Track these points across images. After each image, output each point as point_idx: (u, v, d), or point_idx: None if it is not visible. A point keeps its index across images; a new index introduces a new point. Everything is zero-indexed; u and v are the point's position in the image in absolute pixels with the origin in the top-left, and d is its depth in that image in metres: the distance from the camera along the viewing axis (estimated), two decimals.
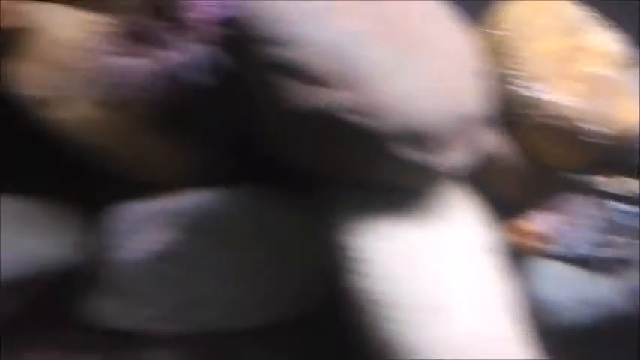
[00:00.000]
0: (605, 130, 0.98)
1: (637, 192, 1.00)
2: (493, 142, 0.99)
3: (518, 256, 0.98)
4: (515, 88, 0.99)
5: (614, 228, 0.98)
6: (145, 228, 0.95)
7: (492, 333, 0.87)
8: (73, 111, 0.97)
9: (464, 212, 0.96)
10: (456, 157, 0.90)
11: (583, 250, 0.98)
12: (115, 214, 0.95)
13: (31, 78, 0.98)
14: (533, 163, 1.02)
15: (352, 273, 0.88)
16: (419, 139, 0.86)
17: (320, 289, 0.96)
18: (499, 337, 0.87)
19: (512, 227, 1.00)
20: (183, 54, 0.90)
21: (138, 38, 0.92)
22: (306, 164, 0.92)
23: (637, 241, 0.98)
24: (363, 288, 0.87)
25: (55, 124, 0.97)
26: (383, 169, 0.89)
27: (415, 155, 0.88)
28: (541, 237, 0.99)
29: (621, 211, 1.00)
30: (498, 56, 1.01)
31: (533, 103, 0.99)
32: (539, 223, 1.00)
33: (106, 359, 0.94)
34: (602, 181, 1.01)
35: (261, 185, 0.96)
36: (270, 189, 0.96)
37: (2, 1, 0.99)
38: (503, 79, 0.99)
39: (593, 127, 0.98)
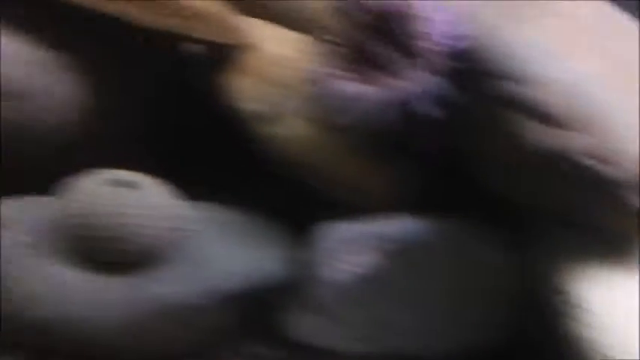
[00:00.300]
0: None
1: None
2: None
3: None
4: None
5: None
6: (349, 249, 0.95)
7: None
8: (287, 128, 0.98)
9: None
10: None
11: None
12: (321, 232, 0.96)
13: (247, 92, 1.00)
14: None
15: (568, 318, 0.88)
16: None
17: (513, 322, 0.97)
18: None
19: None
20: (414, 84, 0.91)
21: (367, 63, 0.93)
22: (524, 202, 0.93)
23: None
24: (580, 336, 0.87)
25: (268, 139, 0.99)
26: (608, 214, 0.90)
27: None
28: None
29: None
30: None
31: None
32: None
33: None
34: None
35: (467, 217, 0.97)
36: (477, 222, 0.97)
37: (221, 17, 1.00)
38: None
39: None
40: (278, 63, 1.03)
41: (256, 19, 1.07)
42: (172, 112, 1.07)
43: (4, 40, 0.93)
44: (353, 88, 0.92)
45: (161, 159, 0.97)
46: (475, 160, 0.95)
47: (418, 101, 0.90)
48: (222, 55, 1.02)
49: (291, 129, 0.98)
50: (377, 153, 0.96)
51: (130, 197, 0.83)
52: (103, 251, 0.82)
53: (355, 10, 0.95)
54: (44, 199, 0.91)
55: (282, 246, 0.95)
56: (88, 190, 0.83)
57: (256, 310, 0.93)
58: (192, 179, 0.95)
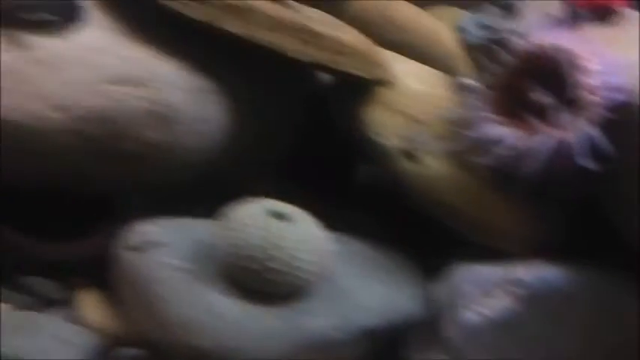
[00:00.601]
0: None
1: None
2: None
3: None
4: None
5: None
6: (484, 292, 0.95)
7: None
8: (427, 166, 0.99)
9: None
10: None
11: None
12: (456, 273, 0.96)
13: (388, 128, 1.01)
14: None
15: None
16: None
17: None
18: None
19: None
20: (572, 133, 0.90)
21: (520, 108, 0.94)
22: None
23: None
24: None
25: (406, 176, 0.99)
26: None
27: None
28: None
29: None
30: None
31: None
32: None
33: None
34: None
35: (606, 266, 0.96)
36: (616, 271, 0.96)
37: (368, 52, 1.01)
38: None
39: None
40: (419, 99, 1.04)
41: (397, 55, 1.09)
42: (312, 143, 1.09)
43: (165, 65, 0.96)
44: (503, 131, 0.93)
45: (301, 190, 0.99)
46: (616, 209, 0.95)
47: (574, 151, 0.90)
48: (365, 89, 1.04)
49: (431, 167, 0.98)
50: (519, 197, 0.96)
51: (285, 230, 0.84)
52: (258, 282, 0.84)
53: (511, 53, 0.96)
54: (194, 222, 0.94)
55: (417, 284, 0.96)
56: (245, 220, 0.84)
57: (388, 346, 0.94)
58: (329, 211, 0.97)
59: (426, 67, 1.10)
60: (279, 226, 0.85)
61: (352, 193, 1.09)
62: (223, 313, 0.83)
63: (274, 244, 0.83)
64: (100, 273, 0.96)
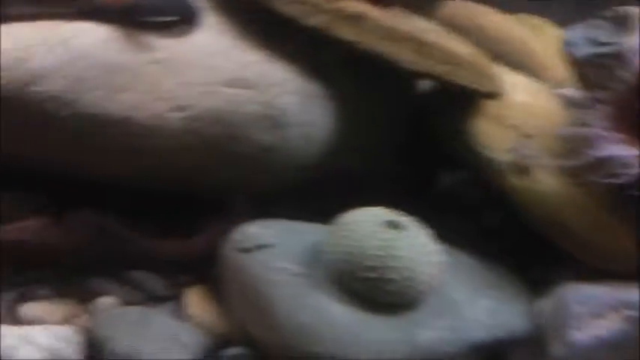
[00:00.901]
0: None
1: None
2: None
3: None
4: None
5: None
6: (593, 312, 0.94)
7: None
8: (538, 182, 0.97)
9: None
10: None
11: None
12: (564, 291, 0.94)
13: (498, 142, 1.00)
14: None
15: None
16: None
17: None
18: None
19: None
20: None
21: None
22: None
23: None
24: None
25: (516, 191, 0.98)
26: None
27: None
28: None
29: None
30: None
31: None
32: None
33: None
34: None
35: None
36: None
37: (483, 65, 1.01)
38: None
39: None
40: (528, 113, 1.03)
41: (503, 67, 1.08)
42: (415, 154, 1.09)
43: (278, 70, 0.97)
44: (628, 151, 0.92)
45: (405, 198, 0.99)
46: None
47: None
48: (472, 101, 1.03)
49: (543, 183, 0.97)
50: (633, 217, 0.95)
51: (401, 240, 0.84)
52: (375, 291, 0.84)
53: (628, 69, 0.95)
54: (302, 226, 0.94)
55: (524, 300, 0.95)
56: (362, 229, 0.84)
57: None
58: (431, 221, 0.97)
59: (531, 79, 1.09)
60: (395, 236, 0.85)
61: (441, 202, 1.09)
62: (339, 320, 0.83)
63: (392, 255, 0.83)
64: (204, 271, 0.98)
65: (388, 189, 1.04)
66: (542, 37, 1.32)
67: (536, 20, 1.36)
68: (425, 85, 1.11)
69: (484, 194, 1.05)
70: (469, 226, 1.05)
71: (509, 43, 1.23)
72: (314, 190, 1.01)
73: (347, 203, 0.93)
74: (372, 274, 0.83)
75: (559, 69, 1.23)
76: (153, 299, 0.95)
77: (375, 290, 0.84)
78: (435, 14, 1.14)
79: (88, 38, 0.92)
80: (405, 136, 1.10)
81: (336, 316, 0.83)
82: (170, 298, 0.95)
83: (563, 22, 1.30)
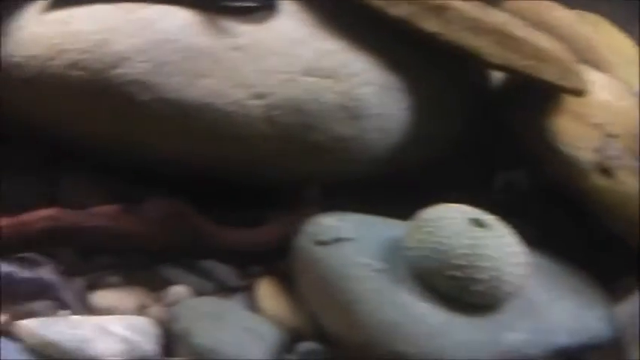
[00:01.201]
0: None
1: None
2: None
3: None
4: None
5: None
6: None
7: None
8: (619, 182, 0.95)
9: None
10: None
11: None
12: None
13: (577, 140, 0.97)
14: None
15: None
16: None
17: None
18: None
19: None
20: None
21: None
22: None
23: None
24: None
25: (595, 190, 0.96)
26: None
27: None
28: None
29: None
30: None
31: None
32: None
33: None
34: None
35: None
36: None
37: (568, 61, 0.98)
38: None
39: None
40: (611, 111, 1.00)
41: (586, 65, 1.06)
42: (481, 149, 1.07)
43: (357, 60, 0.94)
44: None
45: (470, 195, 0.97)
46: None
47: None
48: (553, 97, 1.01)
49: (626, 184, 0.95)
50: None
51: (488, 238, 0.82)
52: (462, 291, 0.82)
53: None
54: (379, 220, 0.92)
55: (604, 303, 0.93)
56: (448, 226, 0.82)
57: None
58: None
59: (611, 78, 1.07)
60: (482, 235, 0.82)
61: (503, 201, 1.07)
62: (426, 319, 0.80)
63: (480, 254, 0.81)
64: (275, 263, 0.96)
65: (457, 185, 1.03)
66: (603, 35, 1.30)
67: (593, 17, 1.33)
68: (496, 78, 1.10)
69: (549, 194, 1.03)
70: (535, 227, 1.03)
71: (574, 40, 1.20)
72: (382, 184, 1.00)
73: (414, 199, 0.91)
74: (459, 274, 0.81)
75: (622, 67, 1.22)
76: (224, 290, 0.93)
77: (461, 290, 0.82)
78: (503, 8, 1.12)
79: (170, 22, 0.90)
80: (477, 132, 1.08)
81: (422, 315, 0.81)
82: (241, 288, 0.94)
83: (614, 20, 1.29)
